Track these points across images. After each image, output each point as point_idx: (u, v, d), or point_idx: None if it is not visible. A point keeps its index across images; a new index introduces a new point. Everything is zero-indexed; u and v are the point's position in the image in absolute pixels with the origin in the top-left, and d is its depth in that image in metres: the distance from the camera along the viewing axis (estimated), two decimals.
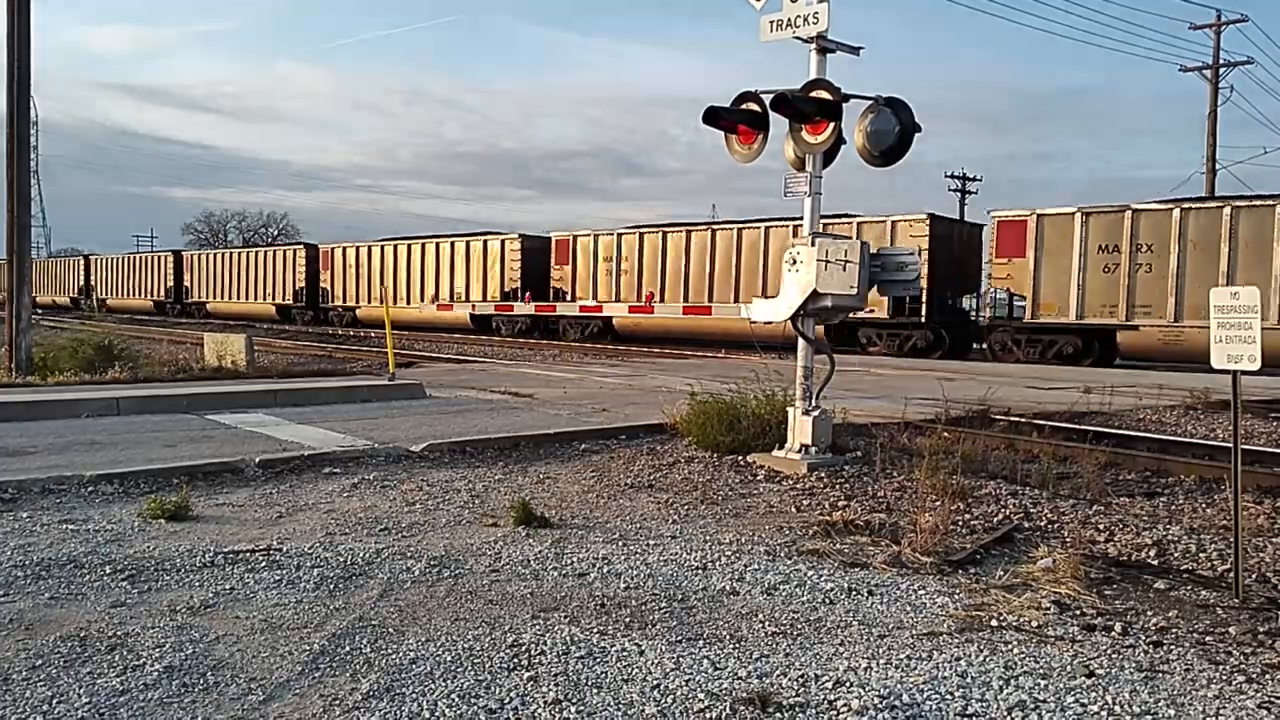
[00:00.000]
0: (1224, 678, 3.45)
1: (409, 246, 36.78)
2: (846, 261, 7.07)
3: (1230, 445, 4.63)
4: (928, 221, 23.86)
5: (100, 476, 6.23)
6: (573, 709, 3.08)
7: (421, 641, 3.63)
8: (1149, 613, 4.15)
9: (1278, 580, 4.66)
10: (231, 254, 48.39)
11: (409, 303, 35.55)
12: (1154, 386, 13.76)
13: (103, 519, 5.36)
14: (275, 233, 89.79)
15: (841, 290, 7.11)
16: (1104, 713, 3.14)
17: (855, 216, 24.95)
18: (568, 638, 3.70)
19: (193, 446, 7.60)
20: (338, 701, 3.10)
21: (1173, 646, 3.76)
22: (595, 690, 3.23)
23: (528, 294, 30.76)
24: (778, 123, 7.54)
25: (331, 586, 4.27)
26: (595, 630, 3.80)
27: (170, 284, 51.34)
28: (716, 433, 7.86)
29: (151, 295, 52.81)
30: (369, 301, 37.91)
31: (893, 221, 24.26)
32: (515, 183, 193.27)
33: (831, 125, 7.23)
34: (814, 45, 7.36)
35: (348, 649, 3.54)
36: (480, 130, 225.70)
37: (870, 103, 7.29)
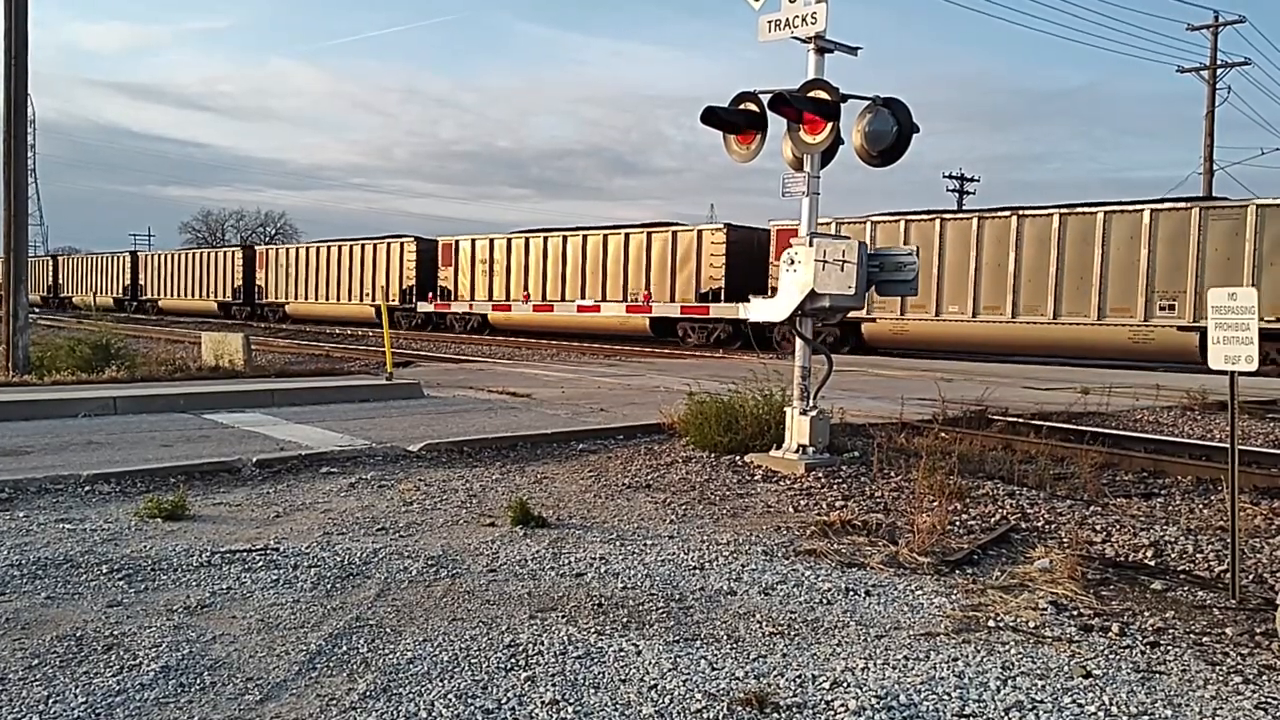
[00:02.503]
0: (1220, 678, 3.46)
1: (564, 239, 30.67)
2: (844, 261, 7.07)
3: (1227, 446, 4.63)
4: None
5: (97, 476, 6.22)
6: (570, 709, 3.08)
7: (419, 641, 3.63)
8: (1146, 613, 4.16)
9: (1274, 581, 4.67)
10: (317, 249, 41.11)
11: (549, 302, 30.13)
12: (1152, 387, 13.78)
13: (99, 518, 5.35)
14: (273, 232, 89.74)
15: (839, 290, 7.11)
16: (1101, 713, 3.14)
17: (1200, 201, 20.12)
18: (565, 638, 3.70)
19: (190, 446, 7.60)
20: (335, 701, 3.10)
21: (1170, 647, 3.76)
22: (593, 690, 3.23)
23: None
24: (776, 122, 7.54)
25: (329, 586, 4.27)
26: (593, 630, 3.80)
27: (239, 283, 44.78)
28: (714, 433, 7.86)
29: (215, 295, 46.35)
30: (507, 299, 32.02)
31: (1258, 206, 19.28)
32: (510, 182, 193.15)
33: (830, 125, 7.23)
34: (812, 45, 7.36)
35: (345, 649, 3.54)
36: (475, 129, 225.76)
37: (868, 103, 7.29)
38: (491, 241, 33.08)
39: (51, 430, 8.20)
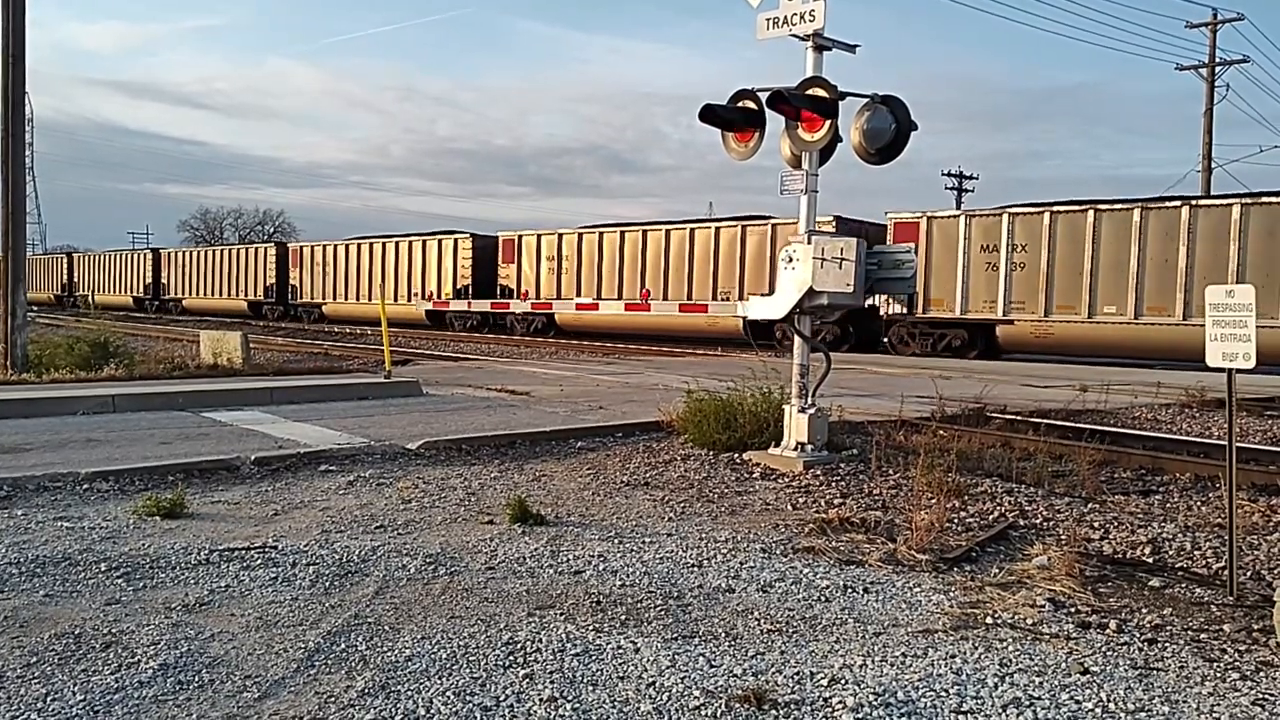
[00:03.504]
0: (1218, 675, 3.46)
1: (622, 234, 28.75)
2: (843, 259, 7.07)
3: (1225, 443, 4.63)
4: None
5: (96, 474, 6.22)
6: (568, 706, 3.08)
7: (417, 639, 3.63)
8: (1144, 610, 4.16)
9: (1272, 578, 4.68)
10: (359, 245, 38.54)
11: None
12: (1151, 384, 13.79)
13: (98, 516, 5.35)
14: (271, 230, 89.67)
15: (838, 288, 7.12)
16: (1099, 710, 3.14)
17: None
18: (563, 635, 3.70)
19: (188, 444, 7.59)
20: (333, 699, 3.10)
21: (1167, 644, 3.77)
22: (591, 688, 3.23)
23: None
24: (774, 120, 7.54)
25: (327, 584, 4.27)
26: (591, 627, 3.80)
27: (271, 282, 42.39)
28: (713, 431, 7.87)
29: (245, 295, 43.98)
30: (576, 298, 29.78)
31: None
32: (508, 180, 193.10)
33: (828, 123, 7.23)
34: (810, 43, 7.36)
35: (343, 646, 3.54)
36: (473, 128, 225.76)
37: (867, 100, 7.29)
38: (560, 237, 30.67)
39: (50, 428, 8.20)
